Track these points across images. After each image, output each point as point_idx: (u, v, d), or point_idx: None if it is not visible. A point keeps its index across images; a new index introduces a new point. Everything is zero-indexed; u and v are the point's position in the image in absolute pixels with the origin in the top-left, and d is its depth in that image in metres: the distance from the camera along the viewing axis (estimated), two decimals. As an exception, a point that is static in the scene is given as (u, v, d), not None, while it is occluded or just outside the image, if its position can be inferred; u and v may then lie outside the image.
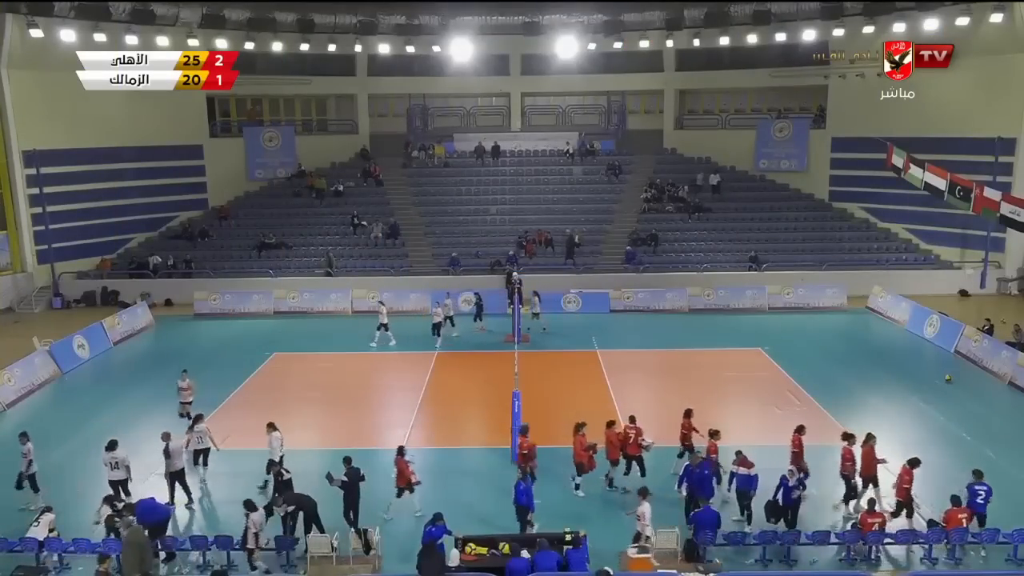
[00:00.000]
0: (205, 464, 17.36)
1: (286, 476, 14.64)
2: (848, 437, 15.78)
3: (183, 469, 16.24)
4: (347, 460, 15.28)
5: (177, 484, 16.08)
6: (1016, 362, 22.92)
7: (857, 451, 15.58)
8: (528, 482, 14.40)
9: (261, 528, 13.73)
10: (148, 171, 37.55)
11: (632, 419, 17.07)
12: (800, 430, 16.11)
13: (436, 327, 27.70)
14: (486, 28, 38.55)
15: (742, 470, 14.90)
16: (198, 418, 17.60)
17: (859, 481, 15.53)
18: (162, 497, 15.40)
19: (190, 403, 19.92)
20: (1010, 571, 13.60)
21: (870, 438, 15.60)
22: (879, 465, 15.42)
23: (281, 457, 16.70)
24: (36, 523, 14.16)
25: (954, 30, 31.83)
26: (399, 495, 15.43)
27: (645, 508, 13.67)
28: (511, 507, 15.19)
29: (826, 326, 29.91)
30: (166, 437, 16.23)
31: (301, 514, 14.50)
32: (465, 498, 15.60)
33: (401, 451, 15.79)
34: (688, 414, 17.29)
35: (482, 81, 42.33)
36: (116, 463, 15.75)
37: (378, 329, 27.10)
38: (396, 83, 42.29)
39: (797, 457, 15.81)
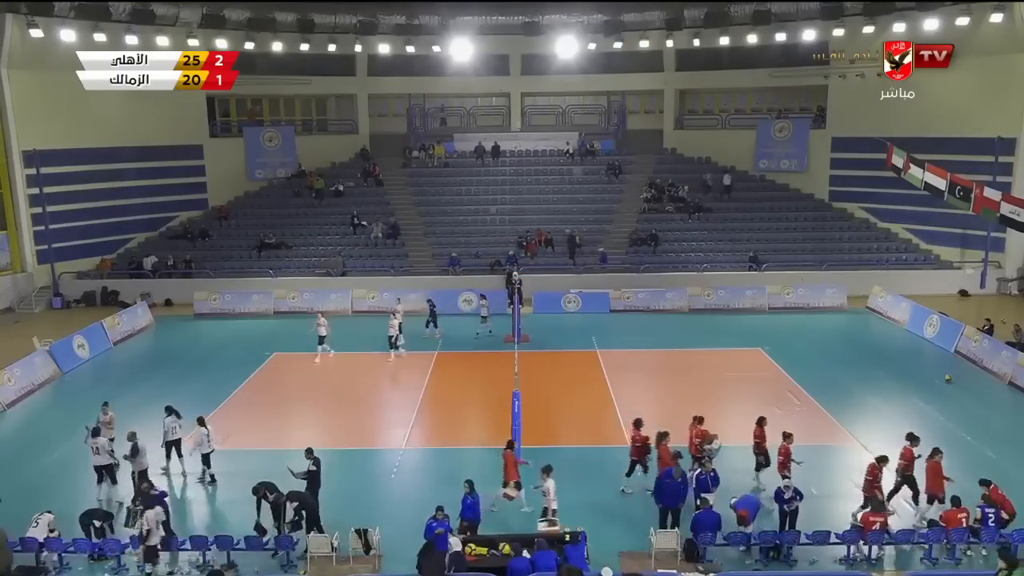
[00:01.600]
0: (180, 455, 17.62)
1: (271, 497, 14.57)
2: (912, 438, 15.64)
3: (147, 469, 16.41)
4: (310, 451, 15.48)
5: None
6: (1016, 362, 22.91)
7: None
8: (475, 496, 14.23)
9: (156, 526, 13.64)
10: (148, 171, 37.55)
11: (699, 420, 16.86)
12: (787, 437, 15.89)
13: (392, 340, 25.86)
14: (486, 28, 38.55)
15: (737, 519, 14.62)
16: (169, 410, 17.73)
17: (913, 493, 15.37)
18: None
19: (111, 439, 17.48)
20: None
21: (936, 453, 15.13)
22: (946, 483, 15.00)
23: (211, 452, 17.07)
24: (35, 524, 14.17)
25: (954, 30, 31.83)
26: (504, 487, 15.47)
27: (550, 484, 14.56)
28: (511, 507, 15.22)
29: (826, 326, 29.91)
30: (132, 437, 16.37)
31: (304, 512, 14.52)
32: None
33: (511, 444, 15.86)
34: (761, 422, 16.70)
35: (482, 81, 42.32)
36: (97, 449, 16.33)
37: (320, 343, 25.97)
38: (396, 83, 42.30)
39: (782, 466, 15.65)
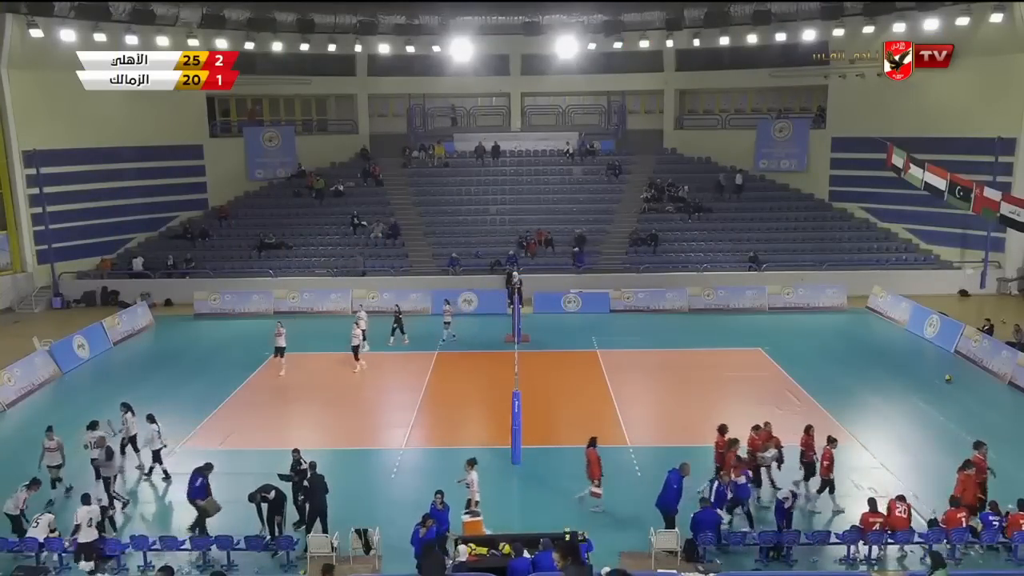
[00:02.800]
0: (137, 450, 17.84)
1: (271, 495, 14.60)
2: (979, 445, 15.32)
3: (118, 475, 16.40)
4: (296, 451, 15.61)
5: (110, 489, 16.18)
6: (1016, 362, 22.91)
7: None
8: (445, 507, 14.06)
9: (88, 523, 13.68)
10: (148, 171, 37.56)
11: (756, 428, 16.58)
12: (832, 441, 15.79)
13: (356, 349, 24.72)
14: (486, 28, 38.55)
15: (739, 479, 14.78)
16: (127, 411, 17.98)
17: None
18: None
19: (60, 466, 16.61)
20: (1010, 571, 13.60)
21: (967, 465, 14.82)
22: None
23: (161, 448, 17.33)
24: (35, 524, 14.17)
25: (954, 30, 31.85)
26: (592, 484, 15.50)
27: (473, 476, 14.87)
28: (511, 507, 15.26)
29: (826, 326, 29.91)
30: (101, 442, 16.32)
31: (309, 505, 14.65)
32: (465, 498, 15.57)
33: (593, 442, 15.90)
34: (809, 430, 16.32)
35: (482, 81, 42.32)
36: (95, 442, 16.68)
37: (277, 355, 24.56)
38: (396, 83, 42.30)
39: (827, 469, 15.55)
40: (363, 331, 25.57)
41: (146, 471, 17.58)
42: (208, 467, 15.21)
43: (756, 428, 16.59)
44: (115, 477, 16.27)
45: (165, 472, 17.42)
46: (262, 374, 24.79)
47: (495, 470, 17.59)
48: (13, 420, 21.54)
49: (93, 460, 16.63)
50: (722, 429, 16.34)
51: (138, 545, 13.91)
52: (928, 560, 12.04)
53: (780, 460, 16.32)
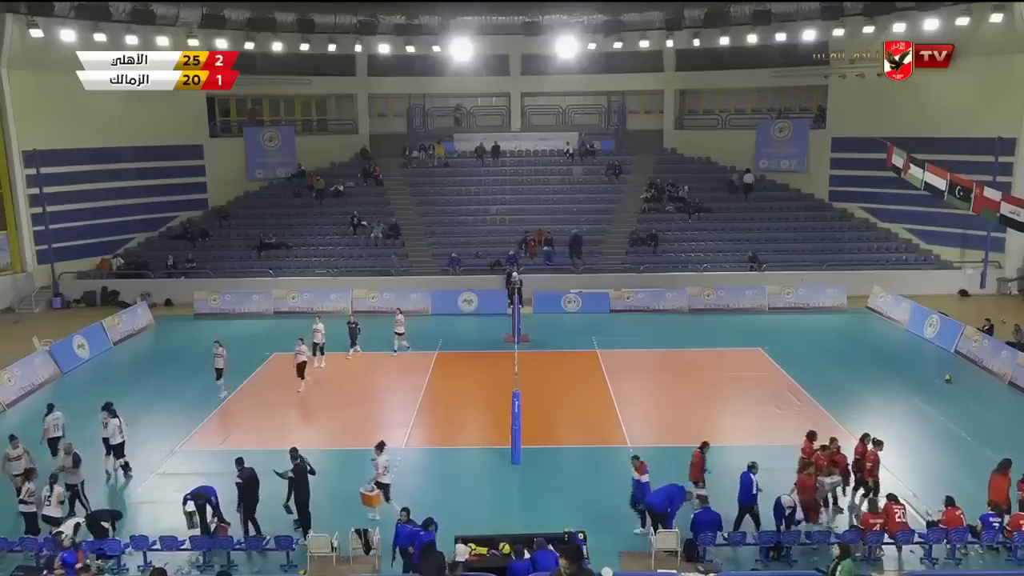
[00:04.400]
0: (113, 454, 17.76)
1: (239, 478, 14.84)
2: None
3: (84, 480, 16.15)
4: (294, 450, 15.53)
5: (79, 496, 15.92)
6: (1016, 362, 22.90)
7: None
8: (413, 525, 13.58)
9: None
10: (148, 171, 37.56)
11: (823, 447, 15.79)
12: (877, 444, 15.49)
13: (302, 367, 23.07)
14: (486, 28, 38.55)
15: (642, 477, 14.67)
16: (51, 407, 18.14)
17: None
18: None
19: (20, 475, 15.75)
20: (1010, 571, 13.60)
21: (1004, 466, 14.56)
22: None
23: (122, 443, 17.48)
24: (47, 501, 14.37)
25: (954, 30, 31.81)
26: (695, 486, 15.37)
27: (381, 459, 15.50)
28: (511, 507, 15.24)
29: (826, 326, 29.91)
30: (69, 449, 16.14)
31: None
32: (465, 498, 15.59)
33: (704, 446, 15.70)
34: (865, 439, 15.70)
35: (482, 81, 42.32)
36: (106, 424, 17.41)
37: (218, 378, 22.94)
38: (396, 83, 42.30)
39: (869, 473, 15.31)
40: (316, 344, 24.77)
41: (113, 468, 17.65)
42: (200, 496, 14.86)
43: (824, 447, 15.83)
44: (83, 484, 15.96)
45: (126, 465, 17.56)
46: (262, 374, 24.83)
47: (495, 470, 17.62)
48: (13, 420, 21.50)
49: (62, 467, 15.97)
50: (811, 435, 16.00)
51: (138, 545, 13.91)
52: (837, 550, 11.92)
53: (843, 486, 15.81)
